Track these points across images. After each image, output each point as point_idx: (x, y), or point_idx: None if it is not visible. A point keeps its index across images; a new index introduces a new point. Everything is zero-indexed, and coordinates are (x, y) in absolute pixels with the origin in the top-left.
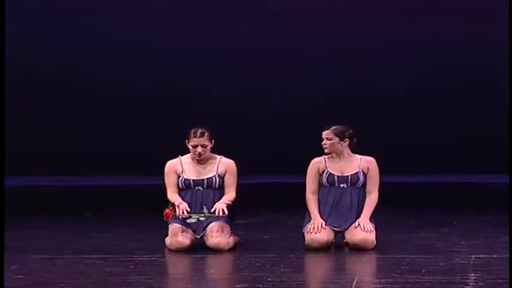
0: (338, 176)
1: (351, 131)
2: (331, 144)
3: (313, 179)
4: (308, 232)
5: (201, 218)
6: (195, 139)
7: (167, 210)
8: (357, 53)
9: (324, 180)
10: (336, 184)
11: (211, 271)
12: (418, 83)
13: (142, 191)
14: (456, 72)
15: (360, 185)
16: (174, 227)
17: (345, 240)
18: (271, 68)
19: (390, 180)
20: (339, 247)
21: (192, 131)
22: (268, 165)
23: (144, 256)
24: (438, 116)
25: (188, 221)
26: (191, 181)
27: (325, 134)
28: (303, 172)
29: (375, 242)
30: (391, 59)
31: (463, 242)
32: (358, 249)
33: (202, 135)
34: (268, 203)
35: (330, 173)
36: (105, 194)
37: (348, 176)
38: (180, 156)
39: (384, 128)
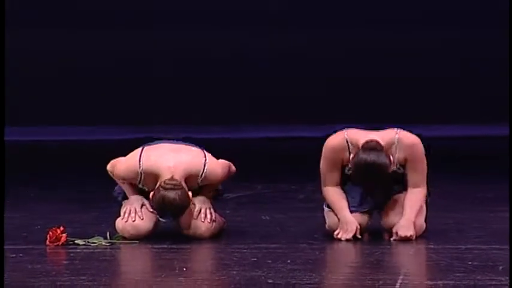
0: None
1: None
2: None
3: (331, 173)
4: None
5: (104, 243)
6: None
7: (57, 232)
8: None
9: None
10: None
11: (184, 268)
12: None
13: (76, 148)
14: None
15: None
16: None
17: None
18: None
19: (451, 133)
20: (376, 233)
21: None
22: (269, 113)
23: (83, 246)
24: None
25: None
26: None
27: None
28: (317, 123)
29: (424, 225)
30: None
31: None
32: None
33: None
34: (270, 168)
35: None
36: (13, 153)
37: None
38: (140, 160)
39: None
